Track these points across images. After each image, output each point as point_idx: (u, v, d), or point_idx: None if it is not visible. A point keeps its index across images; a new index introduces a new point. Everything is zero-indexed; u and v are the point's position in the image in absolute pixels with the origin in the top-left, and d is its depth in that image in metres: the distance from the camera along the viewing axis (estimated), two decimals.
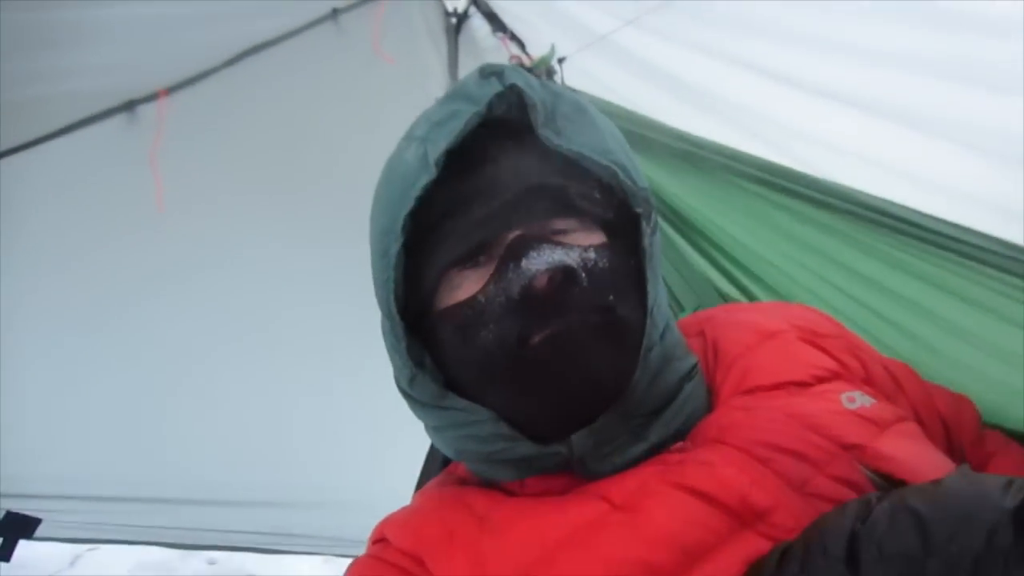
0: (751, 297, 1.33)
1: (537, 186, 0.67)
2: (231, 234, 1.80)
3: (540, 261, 0.63)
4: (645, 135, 1.38)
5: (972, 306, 1.05)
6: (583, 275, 0.64)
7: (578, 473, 0.67)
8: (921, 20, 1.04)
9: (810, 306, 0.96)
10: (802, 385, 0.73)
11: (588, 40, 1.54)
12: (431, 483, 0.82)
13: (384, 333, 0.71)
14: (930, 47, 1.05)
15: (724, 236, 1.36)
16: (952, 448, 0.86)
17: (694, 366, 0.73)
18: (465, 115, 0.67)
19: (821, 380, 0.74)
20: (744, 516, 0.60)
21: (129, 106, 1.63)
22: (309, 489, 1.96)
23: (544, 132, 0.68)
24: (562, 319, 0.63)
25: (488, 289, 0.65)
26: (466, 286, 0.67)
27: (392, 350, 0.71)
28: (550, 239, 0.65)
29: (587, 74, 1.56)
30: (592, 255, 0.66)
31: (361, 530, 0.78)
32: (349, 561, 0.74)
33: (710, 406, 0.74)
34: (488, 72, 0.69)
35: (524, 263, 0.63)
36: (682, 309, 1.37)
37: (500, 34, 1.75)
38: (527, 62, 1.66)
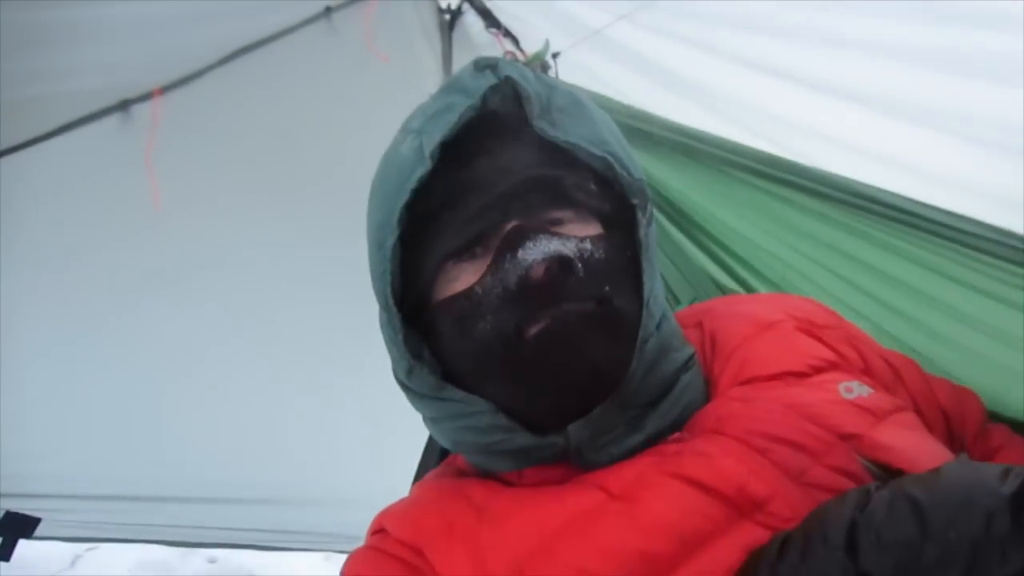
0: (749, 288, 1.33)
1: (533, 177, 0.67)
2: (227, 233, 1.79)
3: (537, 251, 0.63)
4: (641, 128, 1.38)
5: (972, 291, 1.05)
6: (579, 265, 0.64)
7: (575, 464, 0.67)
8: (920, 12, 1.04)
9: (808, 297, 0.96)
10: (800, 375, 0.73)
11: (582, 35, 1.54)
12: (429, 475, 0.82)
13: (382, 325, 0.71)
14: (929, 40, 1.05)
15: (721, 227, 1.36)
16: (953, 440, 0.86)
17: (691, 357, 0.73)
18: (460, 108, 0.67)
19: (819, 370, 0.74)
20: (742, 506, 0.60)
21: (123, 105, 1.62)
22: (308, 486, 1.96)
23: (539, 124, 0.67)
24: (559, 309, 0.63)
25: (485, 280, 0.65)
26: (463, 278, 0.67)
27: (390, 342, 0.71)
28: (547, 230, 0.65)
29: (582, 69, 1.56)
30: (588, 246, 0.66)
31: (360, 526, 0.78)
32: None
33: (708, 397, 0.74)
34: (483, 65, 0.69)
35: (521, 254, 0.63)
36: (678, 302, 1.36)
37: (494, 30, 1.75)
38: (521, 58, 1.66)
